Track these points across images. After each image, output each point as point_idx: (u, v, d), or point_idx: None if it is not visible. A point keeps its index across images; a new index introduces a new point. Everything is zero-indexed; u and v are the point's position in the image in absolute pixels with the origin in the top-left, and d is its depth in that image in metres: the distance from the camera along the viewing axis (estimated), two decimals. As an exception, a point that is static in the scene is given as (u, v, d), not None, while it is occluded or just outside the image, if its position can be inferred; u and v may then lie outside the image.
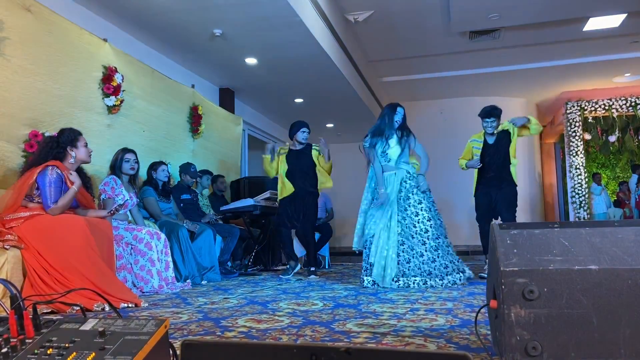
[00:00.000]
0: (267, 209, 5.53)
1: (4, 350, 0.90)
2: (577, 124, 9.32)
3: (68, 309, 2.66)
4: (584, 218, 9.11)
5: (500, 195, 4.54)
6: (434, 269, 3.83)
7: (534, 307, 1.26)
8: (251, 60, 5.92)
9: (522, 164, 4.55)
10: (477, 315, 1.50)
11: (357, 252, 4.26)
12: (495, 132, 4.55)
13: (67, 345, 0.92)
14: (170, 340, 1.01)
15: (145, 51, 5.31)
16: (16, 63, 3.38)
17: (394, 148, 4.13)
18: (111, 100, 4.29)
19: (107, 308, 2.76)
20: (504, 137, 4.57)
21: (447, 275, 3.84)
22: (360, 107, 7.88)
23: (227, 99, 6.93)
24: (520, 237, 1.37)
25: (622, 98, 9.17)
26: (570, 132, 9.36)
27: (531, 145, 10.10)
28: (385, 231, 3.94)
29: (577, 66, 7.86)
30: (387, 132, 4.14)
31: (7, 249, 2.78)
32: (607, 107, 9.27)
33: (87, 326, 0.99)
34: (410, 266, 3.84)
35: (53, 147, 3.19)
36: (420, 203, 3.98)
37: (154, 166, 4.64)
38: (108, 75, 4.26)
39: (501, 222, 1.90)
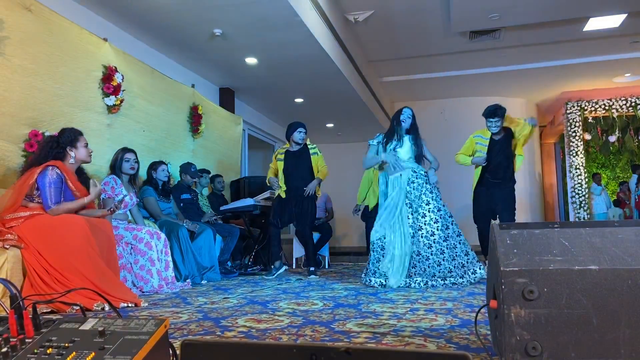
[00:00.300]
0: (267, 209, 5.53)
1: (4, 349, 0.90)
2: (577, 124, 9.33)
3: (68, 309, 2.66)
4: (584, 218, 9.11)
5: (500, 195, 4.54)
6: (438, 272, 3.83)
7: (534, 307, 1.26)
8: (251, 60, 5.92)
9: (522, 163, 4.54)
10: (477, 315, 1.50)
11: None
12: (499, 131, 4.55)
13: (66, 344, 0.92)
14: (170, 340, 1.01)
15: (145, 51, 5.31)
16: (16, 62, 3.38)
17: (405, 147, 4.13)
18: (111, 100, 4.29)
19: (107, 308, 2.76)
20: (507, 137, 4.57)
21: (450, 277, 3.84)
22: (361, 107, 7.88)
23: (227, 99, 6.93)
24: (520, 237, 1.37)
25: (622, 98, 9.17)
26: (570, 132, 9.36)
27: (531, 145, 10.10)
28: (394, 234, 3.93)
29: (577, 66, 7.86)
30: (400, 132, 4.16)
31: (7, 249, 2.78)
32: (607, 107, 9.27)
33: (87, 326, 0.99)
34: (416, 270, 3.84)
35: (53, 147, 3.19)
36: (428, 204, 3.95)
37: (154, 166, 4.64)
38: (108, 74, 4.26)
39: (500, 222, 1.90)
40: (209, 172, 5.83)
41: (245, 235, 5.81)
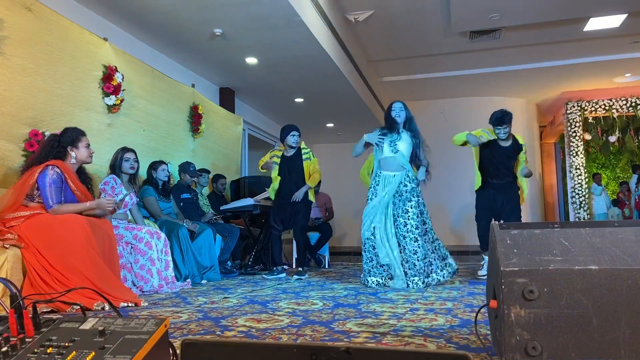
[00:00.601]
0: (267, 209, 5.53)
1: (4, 349, 0.90)
2: (577, 124, 9.32)
3: (68, 308, 2.66)
4: (584, 218, 9.11)
5: (506, 198, 4.52)
6: (426, 267, 3.88)
7: (534, 307, 1.26)
8: (251, 60, 5.92)
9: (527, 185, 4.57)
10: (477, 315, 1.50)
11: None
12: (507, 137, 4.48)
13: (66, 344, 0.92)
14: (170, 339, 1.01)
15: (145, 50, 5.31)
16: (16, 62, 3.38)
17: (405, 142, 4.11)
18: (111, 100, 4.29)
19: (107, 307, 2.76)
20: (515, 148, 4.52)
21: (431, 272, 3.90)
22: (361, 107, 7.88)
23: (227, 99, 6.93)
24: (520, 237, 1.37)
25: (623, 98, 9.17)
26: (570, 133, 9.36)
27: (531, 145, 10.10)
28: (383, 232, 3.94)
29: (577, 66, 7.85)
30: (398, 128, 4.13)
31: (7, 248, 2.78)
32: (607, 108, 9.27)
33: (87, 325, 0.98)
34: (408, 266, 3.86)
35: (54, 146, 3.19)
36: (412, 205, 3.97)
37: (154, 165, 4.64)
38: (108, 74, 4.26)
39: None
40: (208, 172, 5.83)
41: (245, 235, 5.81)
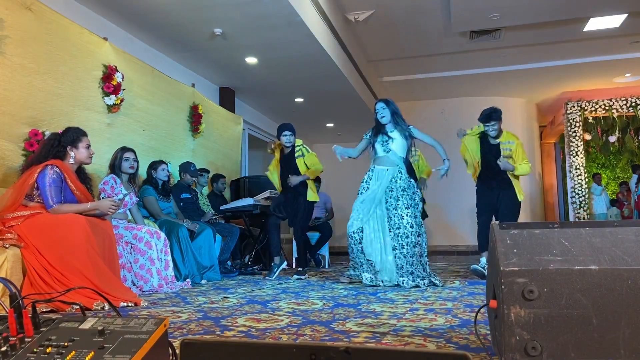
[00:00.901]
0: (267, 208, 5.53)
1: (3, 348, 0.90)
2: (577, 124, 9.32)
3: (67, 308, 2.66)
4: (584, 218, 9.11)
5: (501, 194, 4.52)
6: (416, 269, 3.87)
7: (534, 307, 1.26)
8: (251, 60, 5.92)
9: (524, 171, 4.54)
10: (476, 315, 1.50)
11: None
12: (497, 135, 4.52)
13: (66, 344, 0.92)
14: (169, 339, 1.01)
15: (145, 50, 5.31)
16: (16, 62, 3.38)
17: (397, 141, 4.13)
18: (111, 99, 4.29)
19: (106, 307, 2.76)
20: (508, 145, 4.54)
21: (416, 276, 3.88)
22: (361, 106, 7.88)
23: (227, 98, 6.93)
24: (520, 237, 1.37)
25: (623, 98, 9.17)
26: (570, 133, 9.36)
27: (531, 145, 10.10)
28: (373, 229, 3.95)
29: (577, 66, 7.85)
30: (383, 129, 4.15)
31: (6, 248, 2.78)
32: (607, 108, 9.27)
33: (87, 325, 0.98)
34: (399, 264, 3.87)
35: (54, 145, 3.19)
36: (407, 208, 3.96)
37: (153, 165, 4.64)
38: (108, 74, 4.26)
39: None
40: (208, 171, 5.84)
41: (245, 234, 5.81)
